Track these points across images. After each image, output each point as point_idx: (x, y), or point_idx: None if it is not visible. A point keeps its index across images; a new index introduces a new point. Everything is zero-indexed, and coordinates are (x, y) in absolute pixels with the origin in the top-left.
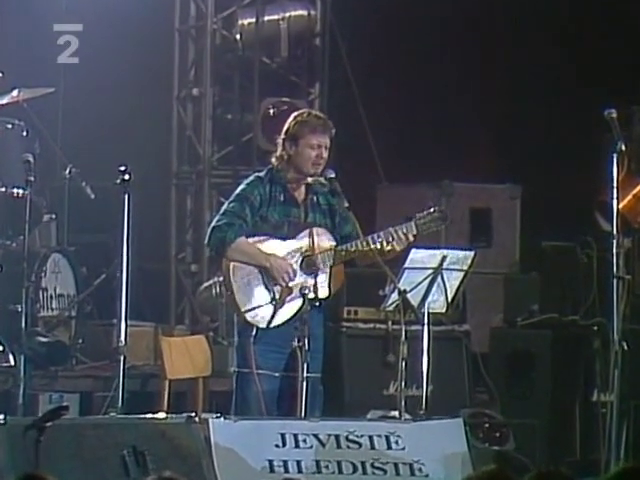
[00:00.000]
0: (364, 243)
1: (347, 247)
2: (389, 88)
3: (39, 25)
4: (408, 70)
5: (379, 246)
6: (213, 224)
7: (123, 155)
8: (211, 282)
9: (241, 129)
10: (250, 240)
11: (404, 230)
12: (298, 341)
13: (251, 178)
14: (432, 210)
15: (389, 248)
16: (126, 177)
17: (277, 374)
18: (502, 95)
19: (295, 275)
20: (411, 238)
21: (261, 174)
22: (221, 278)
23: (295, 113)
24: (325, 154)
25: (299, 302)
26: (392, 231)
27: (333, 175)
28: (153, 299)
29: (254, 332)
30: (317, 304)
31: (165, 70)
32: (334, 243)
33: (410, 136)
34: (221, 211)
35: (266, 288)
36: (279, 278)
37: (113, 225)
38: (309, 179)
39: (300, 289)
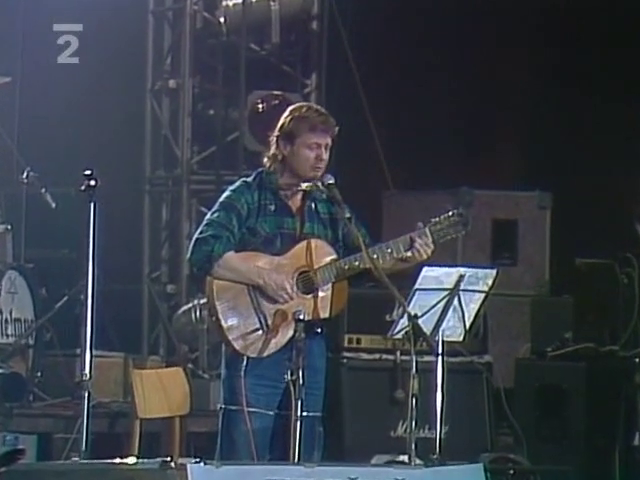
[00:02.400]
0: (369, 257)
1: (350, 261)
2: (398, 80)
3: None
4: (420, 60)
5: (388, 258)
6: (196, 236)
7: (89, 157)
8: (190, 305)
9: (225, 127)
10: (239, 254)
11: (417, 238)
12: (291, 374)
13: (237, 184)
14: (450, 214)
15: (409, 255)
16: (92, 183)
17: (271, 412)
18: (529, 89)
19: (294, 292)
20: (431, 245)
21: (248, 179)
22: (202, 301)
23: (292, 107)
24: (325, 156)
25: (294, 328)
26: (401, 240)
27: (332, 181)
28: (123, 325)
29: (244, 363)
30: (318, 330)
31: (137, 59)
32: (335, 256)
33: (422, 136)
34: (204, 222)
35: (256, 312)
36: (277, 296)
37: (77, 239)
38: (304, 185)
39: (295, 312)
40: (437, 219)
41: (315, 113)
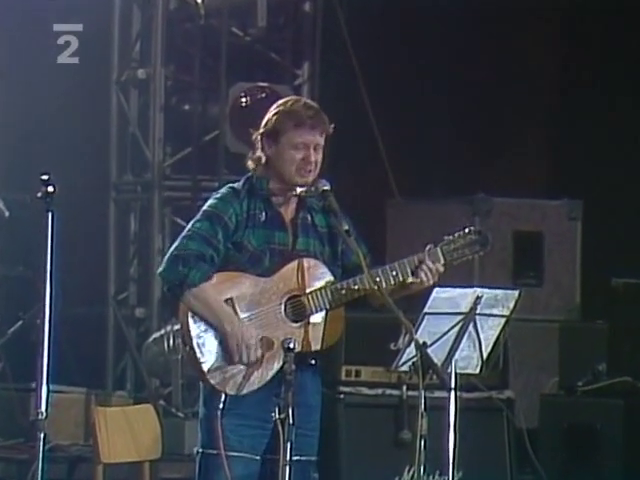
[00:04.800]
0: (371, 279)
1: (349, 284)
2: (404, 71)
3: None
4: (429, 47)
5: (393, 282)
6: (175, 251)
7: (47, 160)
8: (162, 332)
9: (203, 125)
10: (219, 276)
11: (426, 259)
12: (279, 412)
13: (224, 191)
14: (466, 231)
15: (413, 280)
16: (50, 189)
17: (257, 457)
18: (555, 83)
19: (262, 351)
20: (440, 269)
21: (237, 185)
22: (176, 327)
23: (280, 101)
24: (315, 157)
25: (282, 359)
26: (408, 262)
27: (328, 187)
28: (85, 355)
29: (223, 400)
30: (312, 362)
31: (101, 45)
32: (331, 279)
33: (432, 136)
34: (186, 232)
35: None
36: (235, 353)
37: (33, 254)
38: (298, 190)
39: (283, 342)
40: (450, 237)
41: (303, 107)
